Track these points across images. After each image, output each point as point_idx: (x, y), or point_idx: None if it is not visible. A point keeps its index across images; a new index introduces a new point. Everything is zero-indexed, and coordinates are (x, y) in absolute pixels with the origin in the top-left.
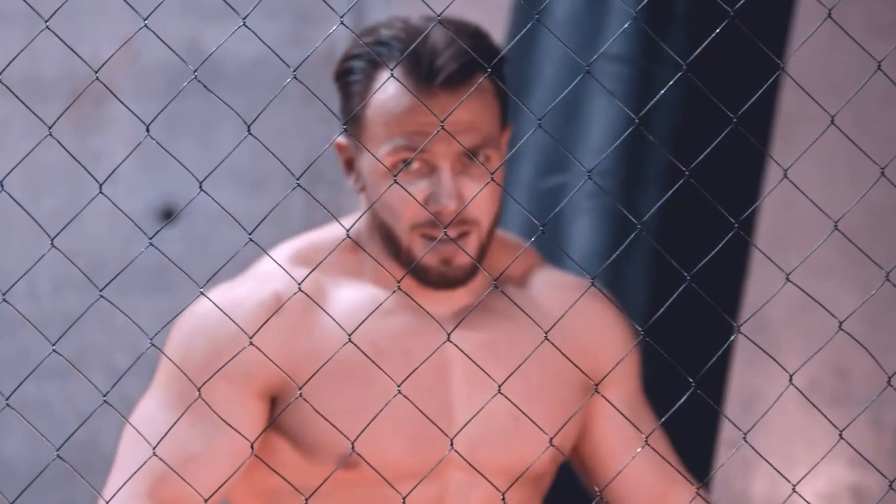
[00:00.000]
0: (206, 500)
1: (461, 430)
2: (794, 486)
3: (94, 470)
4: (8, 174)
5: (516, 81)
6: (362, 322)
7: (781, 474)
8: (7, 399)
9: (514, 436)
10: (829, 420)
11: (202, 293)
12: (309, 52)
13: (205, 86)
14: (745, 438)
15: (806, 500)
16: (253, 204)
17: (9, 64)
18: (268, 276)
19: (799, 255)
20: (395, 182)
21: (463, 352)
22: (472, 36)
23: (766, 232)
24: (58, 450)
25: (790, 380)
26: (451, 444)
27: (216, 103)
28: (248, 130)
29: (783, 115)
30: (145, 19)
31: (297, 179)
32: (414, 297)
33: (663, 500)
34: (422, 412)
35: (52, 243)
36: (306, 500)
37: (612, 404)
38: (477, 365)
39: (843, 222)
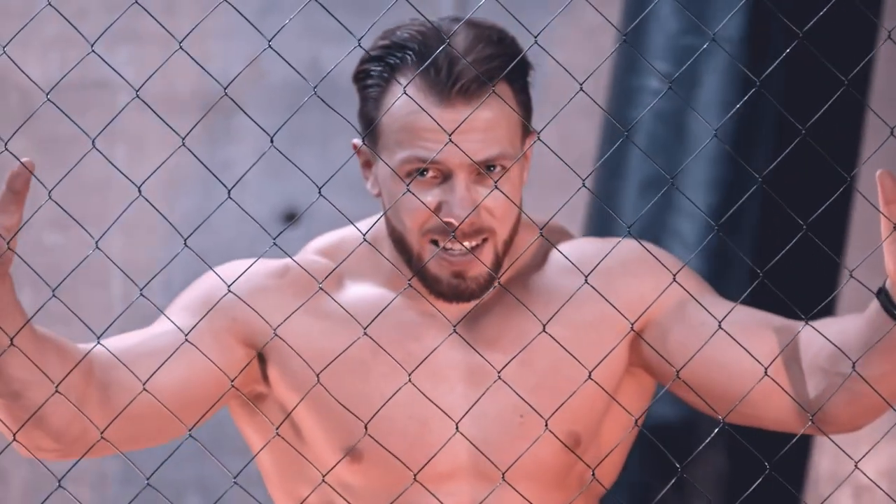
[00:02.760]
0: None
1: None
2: (857, 462)
3: (223, 448)
4: (145, 181)
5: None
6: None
7: (844, 452)
8: (144, 384)
9: (522, 434)
10: (888, 403)
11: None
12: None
13: (324, 101)
14: (811, 420)
15: (868, 476)
16: (367, 208)
17: (146, 81)
18: (297, 257)
19: (860, 253)
20: (409, 189)
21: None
22: (495, 42)
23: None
24: (190, 430)
25: (853, 367)
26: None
27: (334, 117)
28: (363, 141)
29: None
30: (269, 40)
31: (408, 185)
32: (426, 300)
33: (773, 393)
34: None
35: (185, 243)
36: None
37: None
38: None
39: None
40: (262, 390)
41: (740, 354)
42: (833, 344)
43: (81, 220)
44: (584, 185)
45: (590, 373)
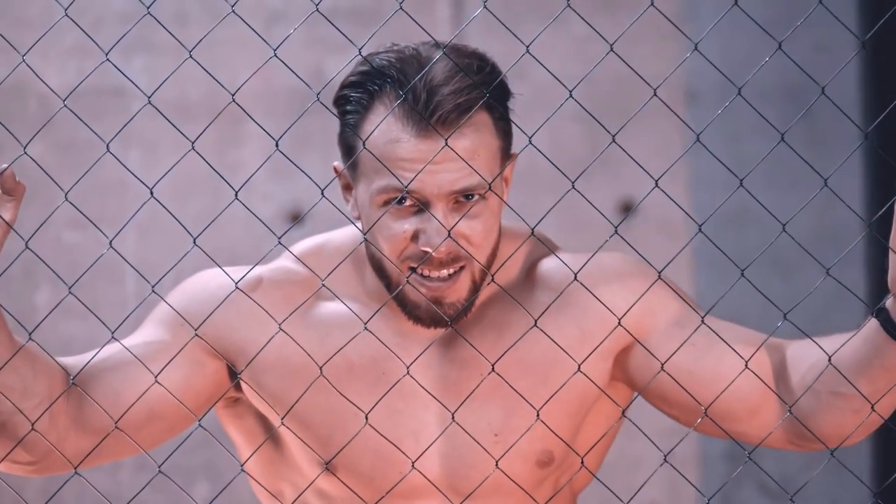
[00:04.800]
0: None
1: (423, 452)
2: (832, 451)
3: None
4: (157, 183)
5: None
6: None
7: (821, 440)
8: (157, 376)
9: (496, 453)
10: (861, 394)
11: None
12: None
13: (326, 107)
14: (790, 411)
15: (845, 466)
16: None
17: (158, 88)
18: (272, 266)
19: (836, 251)
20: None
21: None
22: (475, 71)
23: (808, 232)
24: (199, 420)
25: (829, 360)
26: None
27: (336, 122)
28: (363, 145)
29: (822, 133)
30: (275, 50)
31: (406, 187)
32: (401, 319)
33: (759, 409)
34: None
35: (194, 242)
36: None
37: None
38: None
39: (874, 224)
40: (236, 395)
41: (727, 371)
42: (827, 352)
43: (97, 221)
44: (573, 188)
45: (578, 366)
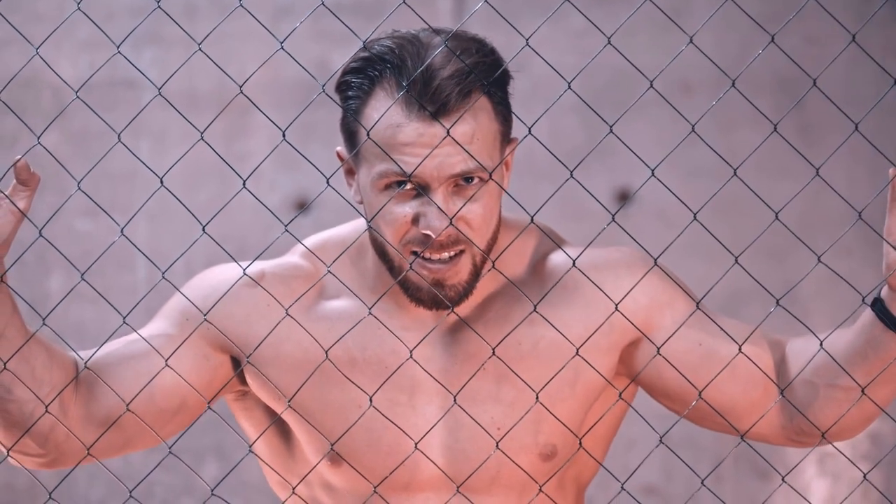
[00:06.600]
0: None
1: (421, 438)
2: (824, 433)
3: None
4: (167, 172)
5: None
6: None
7: (810, 422)
8: (167, 360)
9: (499, 446)
10: (852, 378)
11: (241, 263)
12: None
13: (332, 98)
14: (782, 393)
15: (833, 444)
16: None
17: (168, 80)
18: (275, 262)
19: (827, 239)
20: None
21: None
22: (474, 54)
23: (800, 220)
24: (209, 402)
25: (821, 344)
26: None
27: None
28: (367, 135)
29: (813, 124)
30: (282, 42)
31: (409, 176)
32: (406, 310)
33: (760, 404)
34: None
35: (203, 230)
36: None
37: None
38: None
39: (864, 212)
40: (243, 389)
41: (730, 372)
42: (830, 354)
43: (109, 209)
44: (571, 177)
45: (577, 349)
